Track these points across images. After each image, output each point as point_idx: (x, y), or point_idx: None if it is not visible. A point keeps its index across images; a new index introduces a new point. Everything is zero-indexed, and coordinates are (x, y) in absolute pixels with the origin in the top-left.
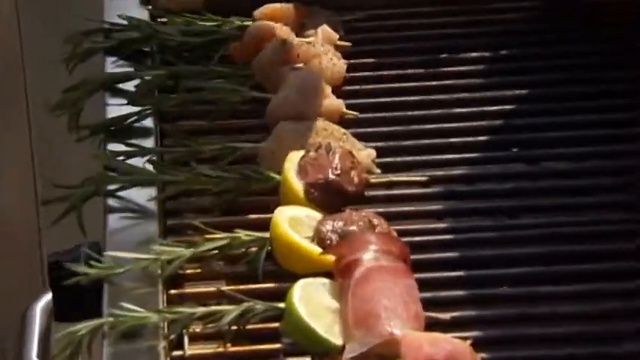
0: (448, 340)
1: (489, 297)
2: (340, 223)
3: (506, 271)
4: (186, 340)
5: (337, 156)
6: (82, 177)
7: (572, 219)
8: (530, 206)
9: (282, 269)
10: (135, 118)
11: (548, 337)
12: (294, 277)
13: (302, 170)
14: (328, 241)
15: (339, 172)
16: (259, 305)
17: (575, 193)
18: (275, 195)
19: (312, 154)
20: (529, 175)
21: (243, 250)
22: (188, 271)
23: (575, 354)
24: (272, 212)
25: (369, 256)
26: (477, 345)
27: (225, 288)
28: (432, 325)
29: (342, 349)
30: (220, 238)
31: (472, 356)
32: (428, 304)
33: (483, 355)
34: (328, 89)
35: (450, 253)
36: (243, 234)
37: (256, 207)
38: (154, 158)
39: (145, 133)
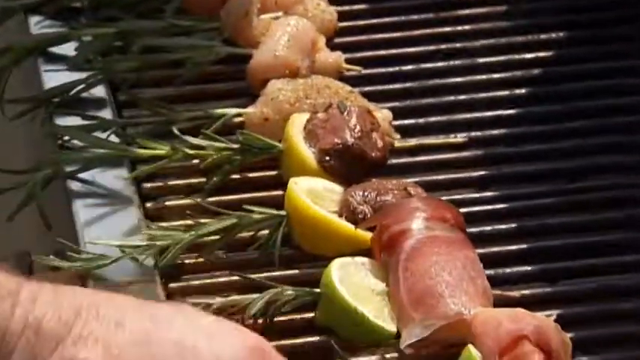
0: (531, 315)
1: (561, 270)
2: (372, 193)
3: (576, 240)
4: None
5: (354, 115)
6: (27, 162)
7: None
8: (592, 166)
9: (302, 253)
10: (82, 87)
11: (635, 312)
12: (320, 261)
13: (311, 135)
14: (361, 215)
15: (359, 134)
16: (290, 291)
17: None
18: (274, 169)
19: (321, 115)
20: (584, 131)
21: (252, 233)
22: (187, 262)
23: None
24: (277, 189)
25: (419, 225)
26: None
27: (235, 278)
28: (499, 305)
29: (397, 336)
30: (226, 218)
31: (559, 333)
32: (491, 282)
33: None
34: (322, 40)
35: (504, 224)
36: (254, 212)
37: (255, 184)
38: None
39: (97, 104)
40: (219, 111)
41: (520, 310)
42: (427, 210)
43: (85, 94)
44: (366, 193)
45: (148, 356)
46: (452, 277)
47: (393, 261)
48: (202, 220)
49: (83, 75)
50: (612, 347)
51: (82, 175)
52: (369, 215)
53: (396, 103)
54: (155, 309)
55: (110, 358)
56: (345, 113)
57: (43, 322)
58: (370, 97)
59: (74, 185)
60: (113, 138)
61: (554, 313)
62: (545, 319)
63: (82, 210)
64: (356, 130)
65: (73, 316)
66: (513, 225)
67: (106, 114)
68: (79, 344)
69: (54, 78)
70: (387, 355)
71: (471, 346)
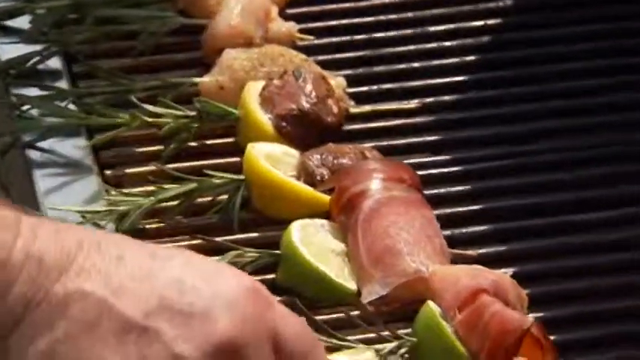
0: (488, 271)
1: (515, 230)
2: (330, 156)
3: (527, 201)
4: None
5: (310, 81)
6: None
7: (590, 141)
8: (542, 129)
9: (261, 216)
10: (38, 58)
11: (587, 269)
12: (279, 225)
13: (267, 102)
14: (319, 177)
15: (314, 100)
16: (251, 253)
17: (591, 113)
18: (230, 136)
19: (277, 81)
20: (532, 97)
21: (211, 197)
22: (148, 227)
23: (619, 283)
24: (234, 155)
25: (376, 185)
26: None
27: (197, 241)
28: (456, 264)
29: (357, 295)
30: (186, 182)
31: (516, 288)
32: (448, 242)
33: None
34: (275, 10)
35: (458, 187)
36: (213, 177)
37: (212, 151)
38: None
39: (53, 75)
40: (176, 80)
41: (477, 267)
42: (384, 171)
43: (40, 66)
44: (323, 156)
45: (147, 290)
46: (410, 236)
47: (352, 222)
48: (162, 186)
49: (38, 47)
50: (565, 303)
51: (40, 145)
52: (326, 178)
53: (349, 72)
54: (156, 248)
55: (111, 290)
56: (301, 80)
57: (45, 253)
58: (323, 65)
59: (33, 154)
60: (71, 108)
61: (510, 270)
62: (502, 275)
63: (42, 179)
64: (312, 96)
65: (75, 248)
66: (467, 187)
67: (62, 85)
68: (82, 275)
69: (9, 51)
70: (351, 313)
71: (430, 302)
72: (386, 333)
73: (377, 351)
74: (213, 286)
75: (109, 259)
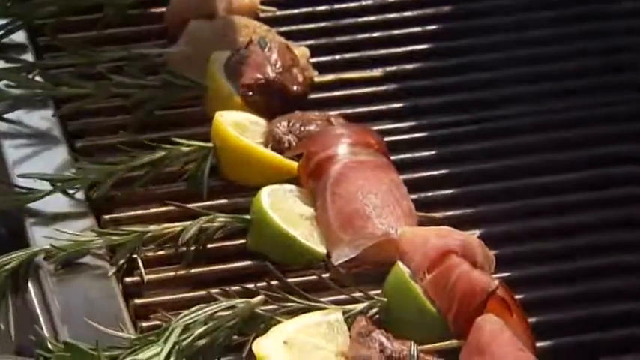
0: (456, 232)
1: (482, 193)
2: (297, 124)
3: (494, 164)
4: (140, 263)
5: (275, 51)
6: None
7: (555, 106)
8: (503, 96)
9: (229, 184)
10: (2, 32)
11: (554, 229)
12: (246, 192)
13: (233, 71)
14: (286, 144)
15: (280, 69)
16: (221, 218)
17: (556, 79)
18: (197, 106)
19: (242, 51)
20: (493, 64)
21: (180, 166)
22: (117, 195)
23: (594, 241)
24: (201, 124)
25: (344, 150)
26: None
27: (168, 208)
28: (424, 226)
29: (326, 257)
30: (155, 151)
31: (483, 249)
32: (415, 206)
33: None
34: None
35: (423, 152)
36: (181, 145)
37: (179, 121)
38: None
39: (18, 49)
40: (142, 51)
41: (445, 228)
42: (351, 136)
43: (5, 40)
44: (290, 124)
45: None
46: (378, 200)
47: (321, 186)
48: (131, 155)
49: (2, 21)
50: (532, 263)
51: (8, 116)
52: (294, 144)
53: (312, 42)
54: None
55: None
56: (266, 49)
57: None
58: (286, 36)
59: (1, 126)
60: (38, 80)
61: (477, 232)
62: (469, 236)
63: (11, 150)
64: (277, 65)
65: None
66: (432, 152)
67: (28, 58)
68: None
69: None
70: (323, 275)
71: (399, 263)
72: (357, 294)
73: (347, 311)
74: None
75: None
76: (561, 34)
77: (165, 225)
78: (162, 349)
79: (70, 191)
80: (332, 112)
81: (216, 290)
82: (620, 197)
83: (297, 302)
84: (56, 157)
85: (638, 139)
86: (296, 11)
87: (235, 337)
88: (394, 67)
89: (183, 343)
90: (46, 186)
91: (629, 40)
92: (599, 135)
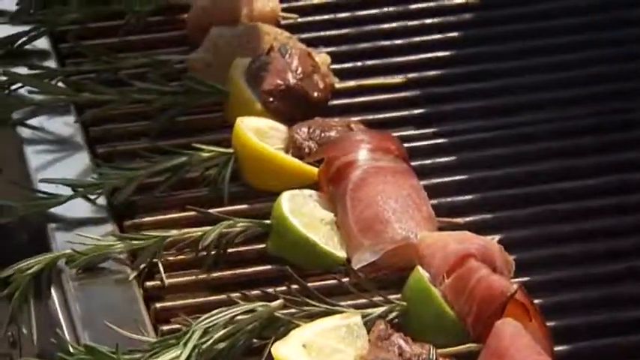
0: (476, 237)
1: (502, 198)
2: (317, 130)
3: (514, 169)
4: (161, 268)
5: (296, 58)
6: None
7: (574, 112)
8: (526, 102)
9: (249, 189)
10: (25, 39)
11: (573, 234)
12: (267, 197)
13: (254, 77)
14: (307, 150)
15: (300, 75)
16: (241, 223)
17: (577, 85)
18: (218, 112)
19: (264, 58)
20: (515, 71)
21: (201, 171)
22: (139, 201)
23: (613, 247)
24: (222, 131)
25: (364, 156)
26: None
27: (189, 213)
28: (444, 231)
29: (346, 262)
30: (176, 156)
31: (502, 253)
32: (435, 211)
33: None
34: None
35: (445, 158)
36: (202, 150)
37: (200, 127)
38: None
39: (40, 55)
40: (163, 58)
41: (465, 232)
42: (371, 142)
43: (28, 46)
44: (311, 130)
45: None
46: (398, 205)
47: (341, 191)
48: (152, 161)
49: (26, 28)
50: (551, 268)
51: (31, 122)
52: (314, 150)
53: (333, 49)
54: None
55: None
56: (287, 56)
57: None
58: (307, 43)
59: (24, 132)
60: (60, 86)
61: (496, 237)
62: (489, 240)
63: (33, 155)
64: (298, 72)
65: None
66: (453, 158)
67: (50, 65)
68: None
69: None
70: (343, 280)
71: (419, 268)
72: (377, 298)
73: (366, 315)
74: None
75: None
76: (582, 40)
77: (186, 230)
78: (181, 352)
79: (92, 196)
80: (352, 119)
81: (236, 294)
82: (638, 203)
83: (317, 306)
84: (78, 163)
85: None
86: (317, 18)
87: (255, 340)
88: (415, 74)
89: (203, 346)
90: (68, 191)
91: None
92: (618, 140)
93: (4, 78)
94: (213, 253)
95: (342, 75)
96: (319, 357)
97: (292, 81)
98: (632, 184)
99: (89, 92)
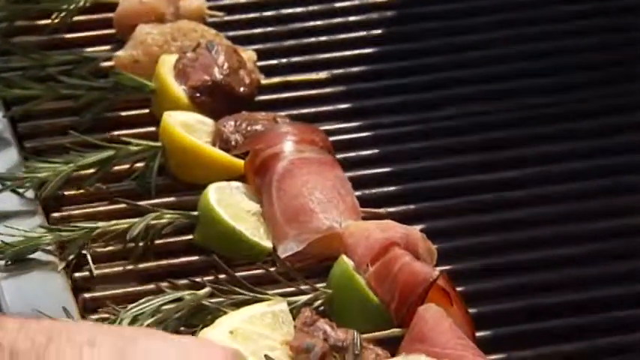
0: (399, 225)
1: (424, 190)
2: (244, 123)
3: (435, 162)
4: (89, 259)
5: (222, 54)
6: None
7: (496, 106)
8: (445, 97)
9: (177, 182)
10: None
11: (495, 224)
12: (194, 189)
13: (181, 74)
14: (233, 143)
15: (227, 71)
16: (168, 215)
17: (497, 79)
18: (145, 108)
19: (190, 54)
20: (438, 67)
21: (129, 165)
22: (67, 194)
23: (531, 235)
24: (149, 126)
25: (289, 147)
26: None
27: (117, 206)
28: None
29: (273, 252)
30: (104, 150)
31: (425, 242)
32: (359, 202)
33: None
34: None
35: (368, 151)
36: (130, 144)
37: (128, 122)
38: None
39: None
40: (91, 54)
41: (388, 221)
42: (296, 134)
43: None
44: (237, 123)
45: None
46: (323, 195)
47: (267, 183)
48: (81, 154)
49: None
50: (471, 256)
51: None
52: (240, 143)
53: (259, 46)
54: (123, 329)
55: None
56: (213, 52)
57: (16, 345)
58: (234, 40)
59: None
60: None
61: (419, 226)
62: (411, 229)
63: None
64: (224, 68)
65: (44, 340)
66: (376, 151)
67: None
68: None
69: None
70: (271, 269)
71: (344, 257)
72: (303, 287)
73: (292, 302)
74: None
75: (79, 346)
76: (504, 36)
77: (114, 222)
78: None
79: (20, 190)
80: (280, 113)
81: (164, 284)
82: (557, 194)
83: (244, 294)
84: (6, 158)
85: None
86: (243, 16)
87: (182, 328)
88: (340, 70)
89: None
90: None
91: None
92: (533, 134)
93: None
94: (141, 244)
95: (268, 71)
96: (246, 343)
97: (219, 77)
98: (553, 175)
99: (17, 88)
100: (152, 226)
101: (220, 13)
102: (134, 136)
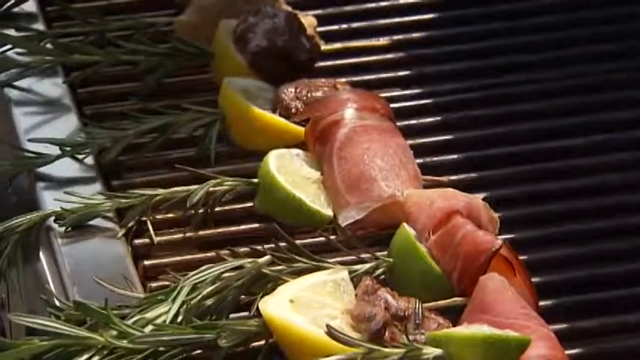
0: (461, 194)
1: (487, 158)
2: (304, 90)
3: (498, 129)
4: (150, 226)
5: (283, 19)
6: None
7: (561, 73)
8: (511, 64)
9: (237, 149)
10: (12, 2)
11: (559, 192)
12: (254, 156)
13: (241, 39)
14: (294, 110)
15: (287, 37)
16: (229, 181)
17: (562, 47)
18: (203, 74)
19: (250, 19)
20: (503, 33)
21: (188, 132)
22: (127, 161)
23: (598, 204)
24: (209, 91)
25: (350, 115)
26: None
27: (177, 173)
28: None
29: (333, 220)
30: (164, 116)
31: (488, 210)
32: (420, 170)
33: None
34: None
35: (429, 118)
36: (190, 110)
37: (187, 88)
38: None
39: (28, 18)
40: (150, 20)
41: (451, 190)
42: (358, 101)
43: (16, 9)
44: (298, 90)
45: None
46: (384, 163)
47: (327, 150)
48: (140, 121)
49: None
50: (535, 225)
51: (19, 84)
52: (301, 110)
53: (319, 11)
54: None
55: None
56: (274, 18)
57: None
58: (294, 6)
59: (12, 93)
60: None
61: (481, 195)
62: (474, 197)
63: (22, 117)
64: (284, 33)
65: None
66: (438, 118)
67: (38, 27)
68: None
69: None
70: (331, 237)
71: (405, 225)
72: (364, 255)
73: (353, 271)
74: None
75: None
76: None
77: (174, 189)
78: (170, 308)
79: (80, 156)
80: (339, 80)
81: (225, 251)
82: (623, 161)
83: (304, 262)
84: (66, 124)
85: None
86: None
87: (243, 296)
88: (400, 36)
89: (192, 302)
90: (56, 151)
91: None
92: (601, 100)
93: None
94: (201, 211)
95: (328, 37)
96: (306, 311)
97: (279, 42)
98: (614, 144)
99: (77, 54)
100: (212, 194)
101: None
102: (194, 102)
